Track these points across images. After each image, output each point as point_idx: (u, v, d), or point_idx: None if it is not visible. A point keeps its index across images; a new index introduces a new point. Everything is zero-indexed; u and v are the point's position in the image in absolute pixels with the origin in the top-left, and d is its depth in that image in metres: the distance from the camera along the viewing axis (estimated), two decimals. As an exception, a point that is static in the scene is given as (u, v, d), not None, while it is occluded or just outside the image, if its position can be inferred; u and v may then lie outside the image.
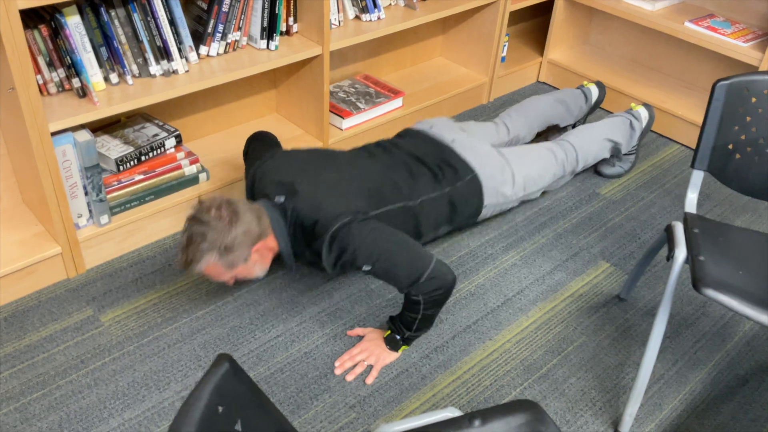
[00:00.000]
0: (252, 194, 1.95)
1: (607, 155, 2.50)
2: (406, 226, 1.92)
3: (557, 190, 2.52)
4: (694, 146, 2.83)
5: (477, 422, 1.16)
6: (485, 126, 2.40)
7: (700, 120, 2.78)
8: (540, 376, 1.84)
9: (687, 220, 1.71)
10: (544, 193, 2.49)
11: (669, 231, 1.70)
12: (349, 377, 1.80)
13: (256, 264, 1.78)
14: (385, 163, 2.00)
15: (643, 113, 2.58)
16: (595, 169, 2.63)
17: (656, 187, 2.59)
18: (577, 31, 3.28)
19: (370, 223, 1.75)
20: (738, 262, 1.60)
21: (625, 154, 2.58)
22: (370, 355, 1.84)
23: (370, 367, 1.83)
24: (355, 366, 1.83)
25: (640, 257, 2.02)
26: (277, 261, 1.92)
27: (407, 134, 2.20)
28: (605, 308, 2.06)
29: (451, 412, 1.18)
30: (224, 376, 0.89)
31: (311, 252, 1.79)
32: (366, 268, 1.72)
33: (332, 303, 2.02)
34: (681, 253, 1.60)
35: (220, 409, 0.87)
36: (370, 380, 1.79)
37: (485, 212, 2.16)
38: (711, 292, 1.46)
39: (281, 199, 1.80)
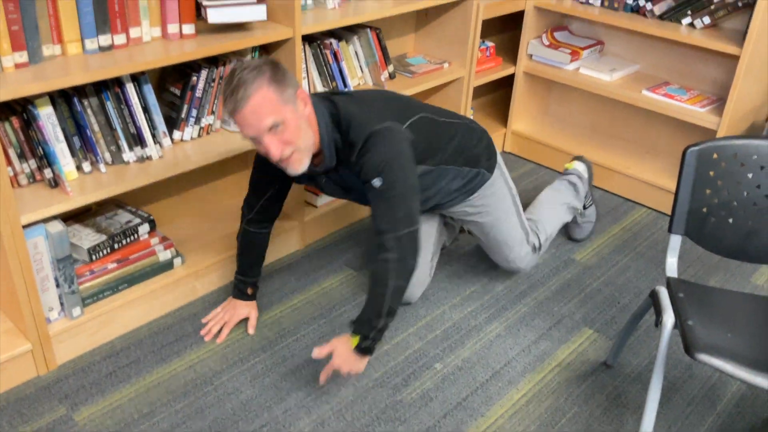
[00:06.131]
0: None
1: (568, 219, 2.49)
2: (428, 135, 1.94)
3: (534, 258, 2.54)
4: (660, 209, 2.89)
5: None
6: None
7: (663, 184, 2.86)
8: (536, 452, 1.79)
9: (670, 284, 1.72)
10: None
11: (654, 297, 1.71)
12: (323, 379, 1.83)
13: (302, 123, 1.71)
14: None
15: (579, 167, 2.59)
16: (569, 236, 2.66)
17: (629, 251, 2.63)
18: (538, 103, 3.38)
19: (405, 142, 1.78)
20: (725, 324, 1.61)
21: (585, 208, 2.60)
22: (350, 368, 1.80)
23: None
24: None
25: (624, 323, 2.02)
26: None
27: None
28: (593, 376, 2.04)
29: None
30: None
31: (345, 143, 1.77)
32: (377, 182, 1.72)
33: (317, 386, 1.96)
34: (669, 318, 1.61)
35: None
36: (323, 378, 1.82)
37: (478, 194, 2.14)
38: (705, 357, 1.46)
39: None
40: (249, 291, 2.15)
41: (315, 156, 1.81)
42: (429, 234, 2.25)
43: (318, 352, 1.79)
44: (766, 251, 1.76)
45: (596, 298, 2.37)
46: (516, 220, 2.23)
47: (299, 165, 1.74)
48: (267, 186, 2.01)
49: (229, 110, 1.66)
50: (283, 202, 2.08)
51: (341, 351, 1.79)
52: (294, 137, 1.69)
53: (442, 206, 2.16)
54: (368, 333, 1.76)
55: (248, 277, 2.13)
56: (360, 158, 1.76)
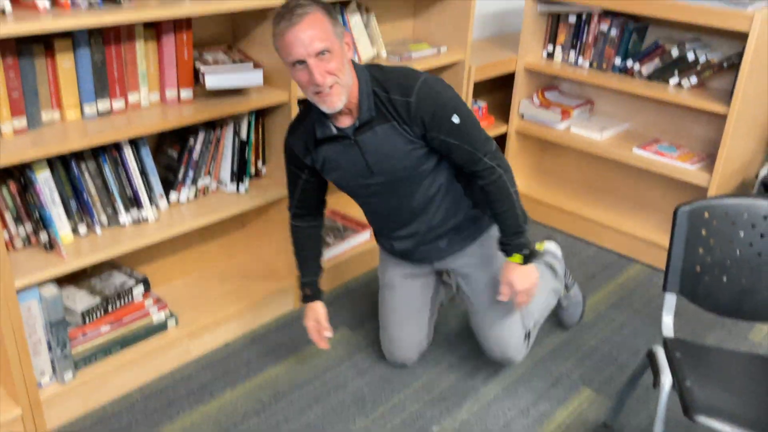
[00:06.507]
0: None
1: (554, 302, 2.36)
2: None
3: (530, 316, 2.52)
4: (655, 265, 2.90)
5: None
6: None
7: (657, 239, 2.87)
8: None
9: (667, 344, 1.72)
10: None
11: (651, 357, 1.70)
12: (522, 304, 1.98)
13: (345, 60, 1.74)
14: None
15: (551, 246, 2.53)
16: (559, 323, 2.52)
17: (625, 308, 2.62)
18: (530, 161, 3.42)
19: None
20: (724, 384, 1.59)
21: (567, 289, 2.47)
22: (534, 283, 1.95)
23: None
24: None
25: (623, 383, 2.00)
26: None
27: None
28: (593, 438, 2.01)
29: None
30: None
31: (396, 91, 1.80)
32: (456, 118, 1.81)
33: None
34: (667, 379, 1.60)
35: None
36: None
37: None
38: (704, 419, 1.45)
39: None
40: (308, 291, 2.12)
41: (347, 113, 1.83)
42: (425, 295, 2.23)
43: (505, 295, 1.96)
44: (762, 309, 1.76)
45: (594, 356, 2.35)
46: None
47: (338, 99, 1.74)
48: (297, 174, 2.01)
49: (281, 29, 1.66)
50: (321, 193, 2.09)
51: (519, 277, 1.94)
52: (338, 69, 1.71)
53: (441, 253, 2.12)
54: (525, 240, 1.93)
55: (304, 276, 2.13)
56: (421, 108, 1.79)
